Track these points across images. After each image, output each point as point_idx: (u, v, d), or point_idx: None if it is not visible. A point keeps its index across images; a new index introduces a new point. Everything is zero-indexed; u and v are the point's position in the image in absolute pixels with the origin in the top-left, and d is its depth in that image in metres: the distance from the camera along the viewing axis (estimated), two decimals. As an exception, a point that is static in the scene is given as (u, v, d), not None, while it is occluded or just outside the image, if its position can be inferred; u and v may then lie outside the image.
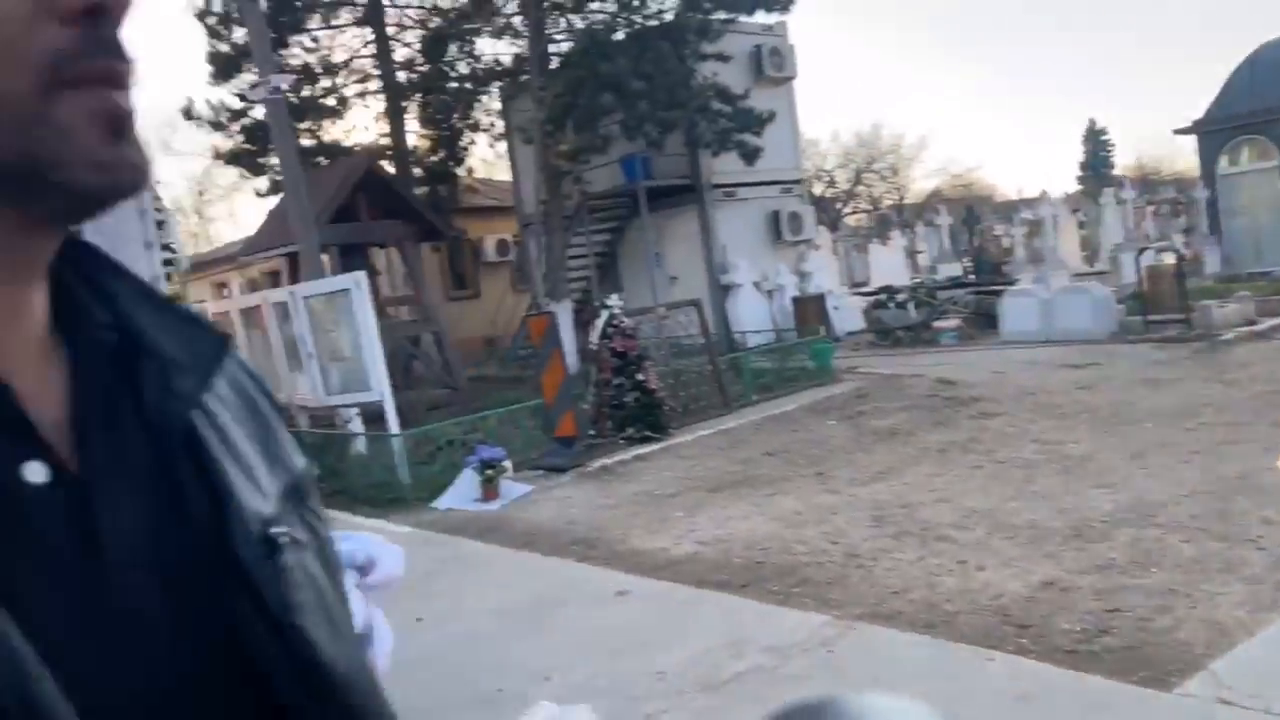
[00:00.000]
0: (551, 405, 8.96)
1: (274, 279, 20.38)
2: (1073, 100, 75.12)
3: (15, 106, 0.42)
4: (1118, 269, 17.22)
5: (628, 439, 9.23)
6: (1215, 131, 19.95)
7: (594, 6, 15.13)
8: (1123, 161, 42.12)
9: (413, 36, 19.02)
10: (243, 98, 17.54)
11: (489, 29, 15.65)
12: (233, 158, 19.22)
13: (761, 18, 15.85)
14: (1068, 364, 11.03)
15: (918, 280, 19.63)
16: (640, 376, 9.33)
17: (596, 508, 7.25)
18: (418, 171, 18.65)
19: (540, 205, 15.72)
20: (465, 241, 20.56)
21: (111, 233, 6.46)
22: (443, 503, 7.88)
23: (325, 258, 12.65)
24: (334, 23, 18.93)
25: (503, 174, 22.40)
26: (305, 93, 18.10)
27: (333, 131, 19.45)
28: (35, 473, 0.44)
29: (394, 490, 8.35)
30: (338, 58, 19.42)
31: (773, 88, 17.21)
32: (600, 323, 9.54)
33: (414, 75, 18.75)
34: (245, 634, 0.48)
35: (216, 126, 18.71)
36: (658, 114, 13.57)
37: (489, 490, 7.82)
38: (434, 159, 18.08)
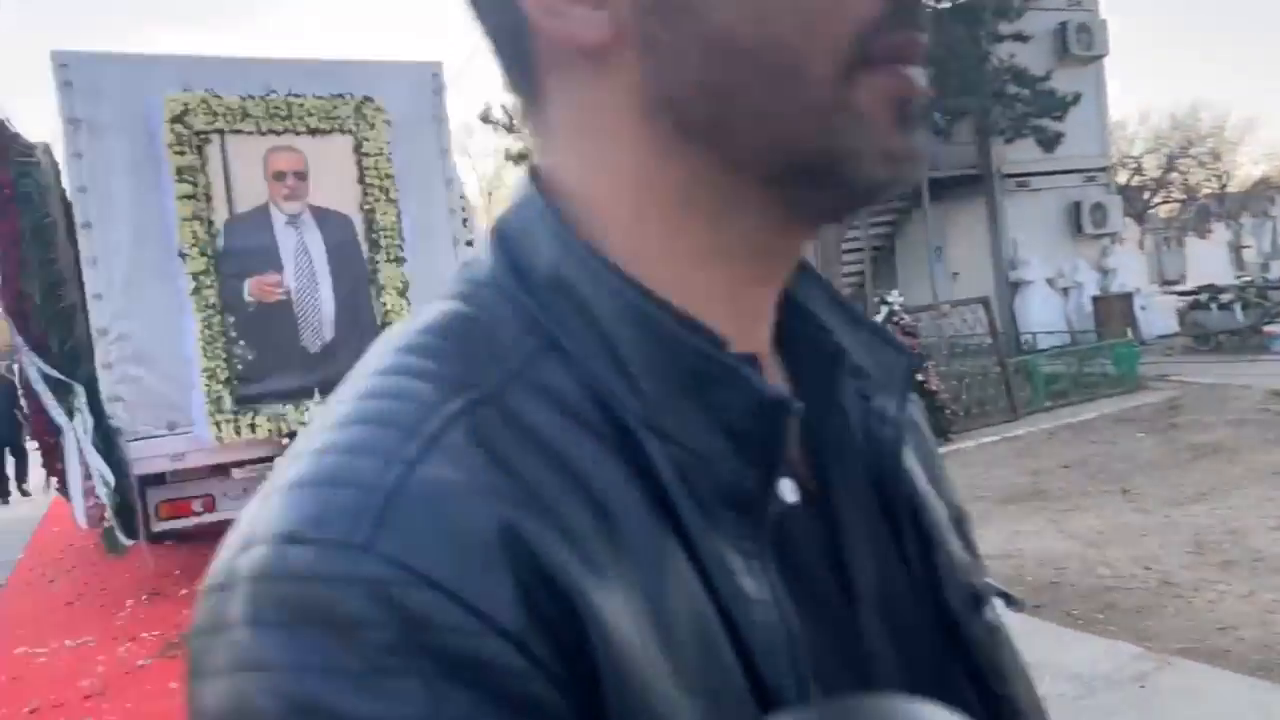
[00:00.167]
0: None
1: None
2: None
3: (816, 90, 0.37)
4: None
5: (905, 441, 8.83)
6: None
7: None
8: None
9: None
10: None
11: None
12: (522, 158, 20.45)
13: (1071, -8, 14.67)
14: None
15: (1245, 279, 17.39)
16: (920, 377, 8.88)
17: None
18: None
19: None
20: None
21: (426, 230, 7.01)
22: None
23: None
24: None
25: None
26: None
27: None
28: (789, 491, 0.40)
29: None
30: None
31: (1078, 67, 15.88)
32: (878, 319, 9.18)
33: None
34: (954, 699, 0.39)
35: (509, 129, 20.00)
36: (947, 100, 12.90)
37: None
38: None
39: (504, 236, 0.43)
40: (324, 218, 6.62)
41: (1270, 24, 66.96)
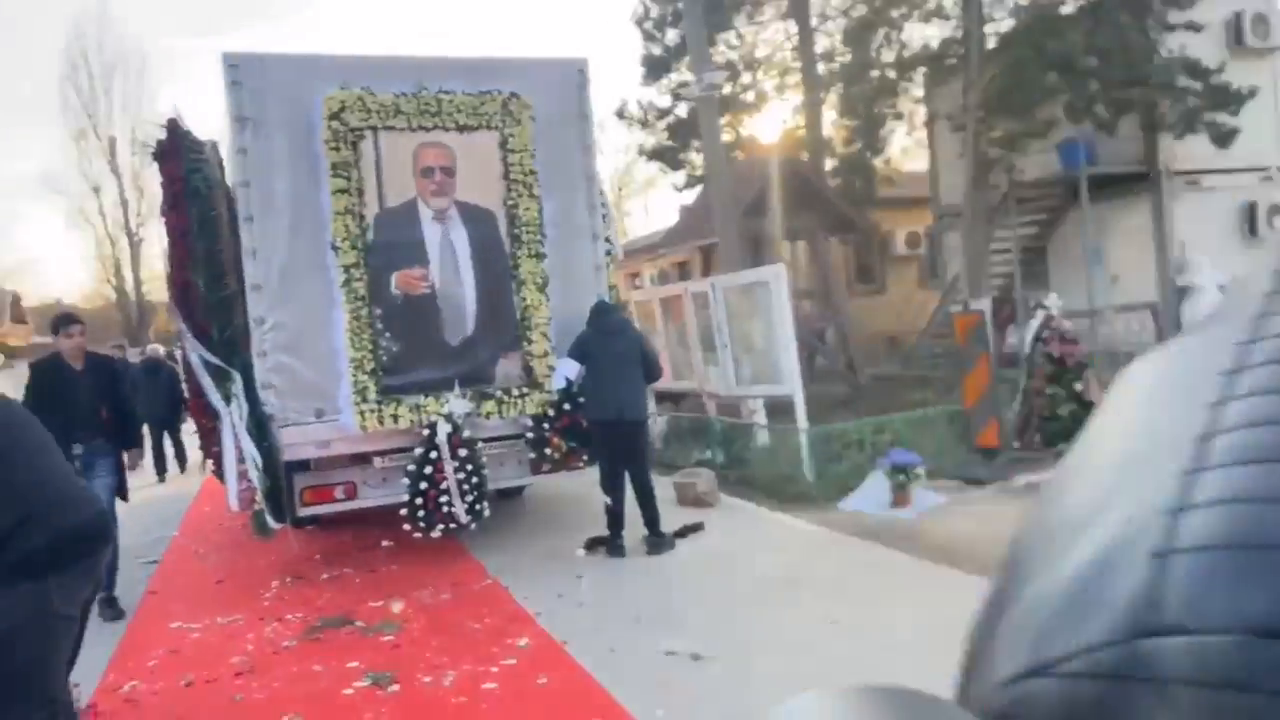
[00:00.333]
0: (972, 412, 8.33)
1: (681, 270, 21.43)
2: None
3: None
4: None
5: (1058, 455, 8.31)
6: None
7: (1041, -20, 13.94)
8: None
9: (834, 27, 18.92)
10: (676, 95, 18.51)
11: (918, 13, 15.01)
12: (655, 154, 20.41)
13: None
14: None
15: None
16: (1078, 386, 8.37)
17: (1024, 528, 6.57)
18: (831, 163, 18.51)
19: (963, 196, 14.84)
20: (873, 234, 20.05)
21: (567, 225, 6.99)
22: (849, 504, 7.62)
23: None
24: (759, 19, 19.35)
25: (915, 163, 21.62)
26: (725, 90, 18.69)
27: (749, 126, 19.93)
28: None
29: (798, 486, 8.24)
30: (759, 53, 19.87)
31: (1254, 60, 14.75)
32: (1034, 324, 8.69)
33: (833, 66, 18.61)
34: None
35: (643, 124, 19.97)
36: (1111, 93, 12.15)
37: (900, 496, 7.42)
38: (849, 150, 17.83)
39: None
40: (469, 213, 6.68)
41: None
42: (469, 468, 6.42)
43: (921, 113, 18.35)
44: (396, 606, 5.74)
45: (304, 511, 6.68)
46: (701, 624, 5.08)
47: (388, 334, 6.43)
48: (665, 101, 19.38)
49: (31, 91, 68.16)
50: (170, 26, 71.02)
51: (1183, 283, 14.58)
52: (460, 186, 6.64)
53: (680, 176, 20.57)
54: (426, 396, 6.45)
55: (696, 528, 7.11)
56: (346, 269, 6.29)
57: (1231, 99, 12.56)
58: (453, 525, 6.49)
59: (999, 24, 14.68)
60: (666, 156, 20.02)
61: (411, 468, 6.39)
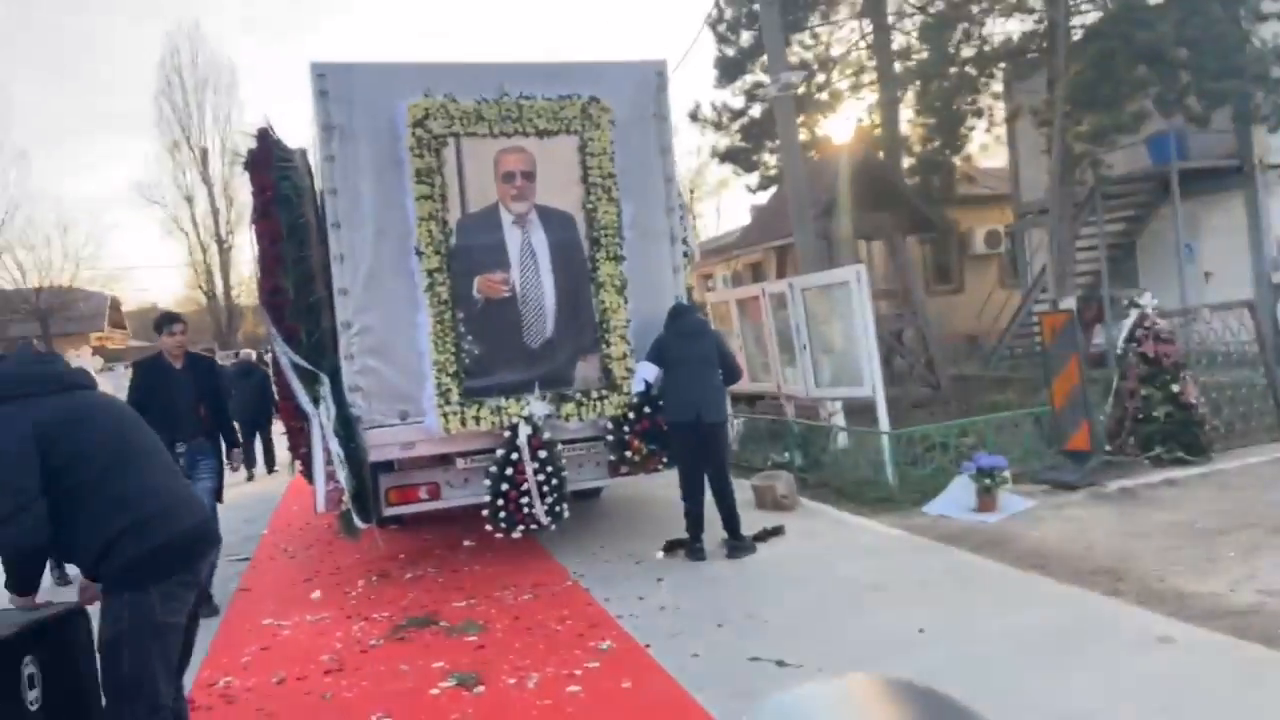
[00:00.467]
0: (1061, 414, 8.09)
1: (755, 271, 21.28)
2: None
3: None
4: None
5: (1154, 459, 8.04)
6: None
7: (1129, -30, 13.50)
8: None
9: (910, 24, 18.60)
10: (751, 96, 18.42)
11: (1000, 7, 14.66)
12: (728, 155, 20.33)
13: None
14: None
15: None
16: (1175, 388, 8.07)
17: (1119, 535, 6.35)
18: (908, 162, 18.21)
19: (1047, 193, 14.45)
20: (951, 233, 19.66)
21: (645, 228, 6.99)
22: (933, 508, 7.46)
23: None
24: (833, 18, 19.13)
25: (993, 160, 21.13)
26: (800, 90, 18.52)
27: (824, 126, 19.71)
28: None
29: (880, 490, 8.10)
30: (834, 52, 19.64)
31: (1352, 50, 14.08)
32: (1128, 323, 8.40)
33: (910, 63, 18.30)
34: None
35: (717, 126, 19.92)
36: (1204, 85, 11.70)
37: (986, 501, 7.24)
38: (928, 148, 17.50)
39: None
40: (548, 216, 6.72)
41: None
42: (549, 469, 6.46)
43: (1001, 108, 17.93)
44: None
45: (389, 511, 6.80)
46: (785, 629, 5.02)
47: (470, 337, 6.51)
48: (739, 103, 19.31)
49: (130, 105, 71.03)
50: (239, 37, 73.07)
51: (1281, 280, 14.01)
52: (540, 191, 6.69)
53: (754, 178, 20.48)
54: (507, 399, 6.50)
55: (777, 531, 7.04)
56: (430, 273, 6.38)
57: (1330, 90, 12.02)
58: (533, 526, 6.53)
59: (1084, 16, 14.27)
60: (739, 158, 19.94)
61: (493, 469, 6.45)
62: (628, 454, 6.73)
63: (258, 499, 10.80)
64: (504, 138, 6.58)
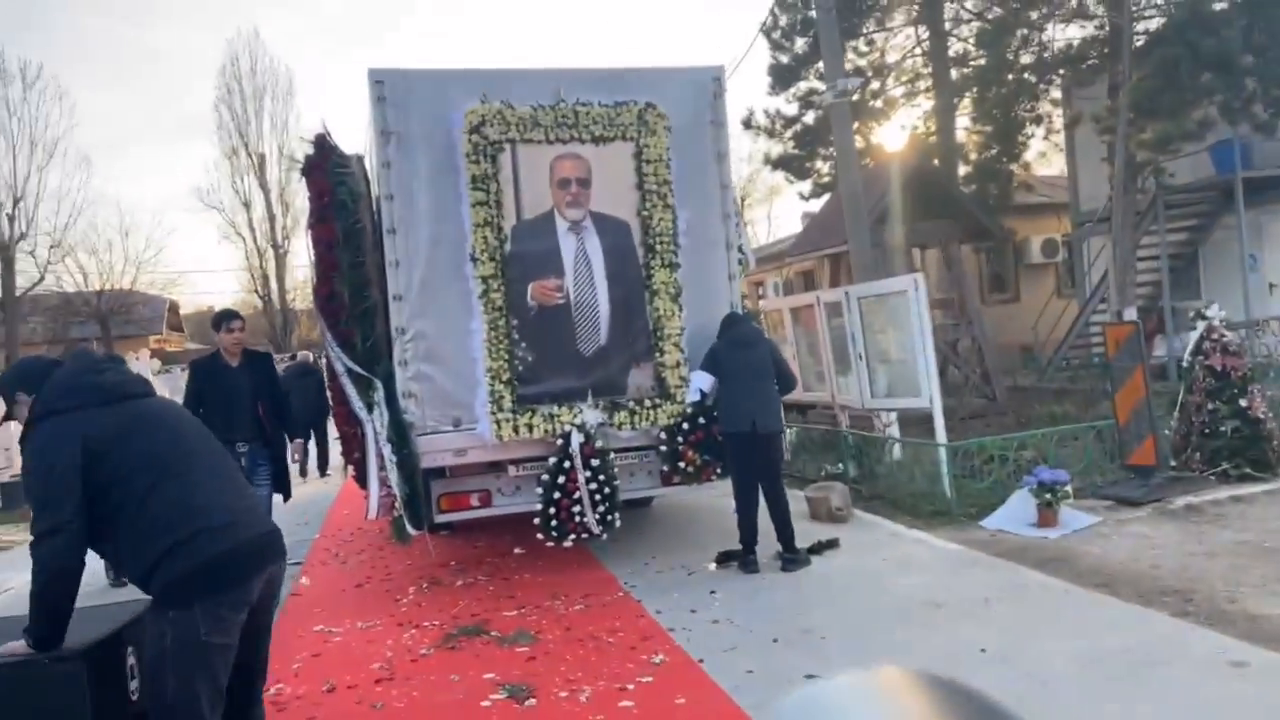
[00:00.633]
0: (1125, 427, 7.86)
1: (806, 279, 21.09)
2: None
3: None
4: None
5: (1221, 475, 7.78)
6: None
7: (1194, -25, 13.17)
8: None
9: (967, 30, 18.35)
10: (808, 102, 18.28)
11: (1060, 13, 14.38)
12: (781, 162, 20.21)
13: None
14: None
15: None
16: (1243, 402, 7.81)
17: (1186, 554, 6.15)
18: (963, 169, 17.95)
19: (1107, 201, 14.12)
20: (1007, 241, 19.33)
21: (700, 235, 6.93)
22: (992, 523, 7.29)
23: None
24: (889, 25, 18.94)
25: (1047, 168, 20.75)
26: (855, 96, 18.36)
27: (878, 133, 19.52)
28: None
29: (936, 503, 7.94)
30: (889, 59, 19.45)
31: None
32: (1194, 335, 8.15)
33: (967, 70, 18.06)
34: None
35: (770, 133, 19.82)
36: (1270, 92, 11.36)
37: (1046, 516, 7.06)
38: (984, 155, 17.23)
39: None
40: (603, 223, 6.68)
41: None
42: (601, 478, 6.41)
43: (1059, 115, 17.60)
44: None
45: (440, 518, 6.79)
46: (842, 647, 4.91)
47: (523, 344, 6.48)
48: (792, 110, 19.19)
49: (192, 112, 72.71)
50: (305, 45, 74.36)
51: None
52: (595, 197, 6.65)
53: (806, 185, 20.33)
54: (560, 406, 6.47)
55: (831, 544, 6.92)
56: (484, 280, 6.37)
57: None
58: (584, 535, 6.49)
59: (1148, 22, 13.96)
60: (793, 165, 19.81)
61: (545, 477, 6.41)
62: (681, 464, 6.66)
63: (311, 501, 10.89)
64: (560, 144, 6.55)
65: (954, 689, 0.76)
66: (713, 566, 6.66)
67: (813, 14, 14.83)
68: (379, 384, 6.31)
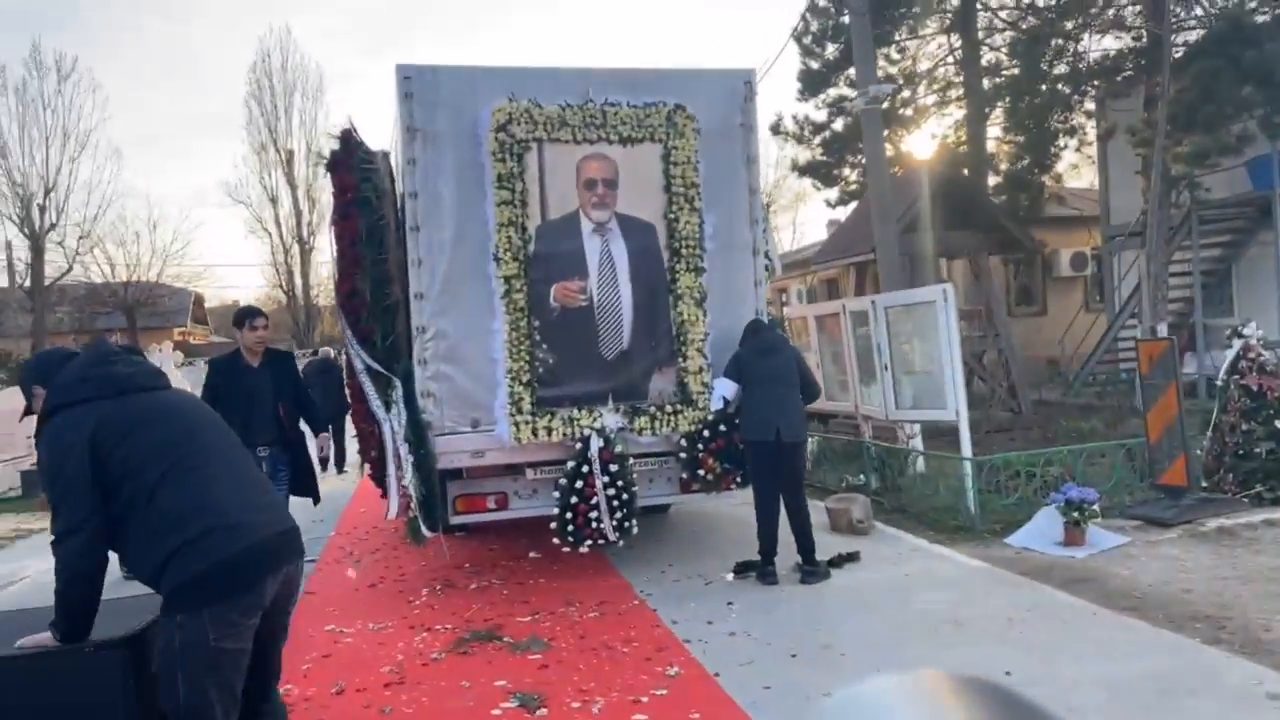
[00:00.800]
0: (1156, 446, 7.68)
1: (831, 287, 20.92)
2: None
3: None
4: None
5: (1254, 498, 7.59)
6: None
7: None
8: None
9: (1001, 40, 18.16)
10: (837, 109, 18.13)
11: (1096, 24, 14.16)
12: (808, 169, 20.06)
13: None
14: None
15: None
16: (1279, 424, 7.61)
17: (1219, 578, 5.98)
18: (993, 180, 17.75)
19: (1139, 215, 13.89)
20: (1037, 254, 19.10)
21: (727, 240, 6.82)
22: (1017, 540, 7.14)
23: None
24: (921, 33, 18.76)
25: (1076, 180, 20.49)
26: (885, 104, 18.21)
27: (908, 141, 19.34)
28: None
29: (959, 517, 7.79)
30: (921, 67, 19.27)
31: None
32: (1230, 354, 7.96)
33: (999, 80, 17.86)
34: None
35: (799, 140, 19.67)
36: (1309, 101, 11.13)
37: (1073, 534, 6.90)
38: (1016, 166, 17.01)
39: None
40: (628, 225, 6.59)
41: None
42: (619, 483, 6.31)
43: (1093, 127, 17.36)
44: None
45: (456, 519, 6.72)
46: (862, 663, 4.79)
47: (545, 346, 6.40)
48: (821, 116, 19.05)
49: (223, 107, 73.32)
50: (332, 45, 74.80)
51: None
52: (622, 199, 6.56)
53: (833, 192, 20.18)
54: (580, 410, 6.38)
55: (853, 557, 6.79)
56: (507, 280, 6.30)
57: None
58: (600, 541, 6.40)
59: (1187, 34, 13.72)
60: (820, 172, 19.66)
61: (563, 481, 6.33)
62: (701, 472, 6.55)
63: (326, 499, 10.77)
64: (587, 144, 6.47)
65: (999, 693, 0.75)
66: (730, 577, 6.54)
67: (844, 20, 14.68)
68: (398, 382, 6.24)
